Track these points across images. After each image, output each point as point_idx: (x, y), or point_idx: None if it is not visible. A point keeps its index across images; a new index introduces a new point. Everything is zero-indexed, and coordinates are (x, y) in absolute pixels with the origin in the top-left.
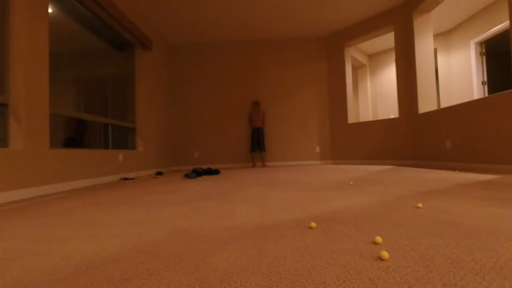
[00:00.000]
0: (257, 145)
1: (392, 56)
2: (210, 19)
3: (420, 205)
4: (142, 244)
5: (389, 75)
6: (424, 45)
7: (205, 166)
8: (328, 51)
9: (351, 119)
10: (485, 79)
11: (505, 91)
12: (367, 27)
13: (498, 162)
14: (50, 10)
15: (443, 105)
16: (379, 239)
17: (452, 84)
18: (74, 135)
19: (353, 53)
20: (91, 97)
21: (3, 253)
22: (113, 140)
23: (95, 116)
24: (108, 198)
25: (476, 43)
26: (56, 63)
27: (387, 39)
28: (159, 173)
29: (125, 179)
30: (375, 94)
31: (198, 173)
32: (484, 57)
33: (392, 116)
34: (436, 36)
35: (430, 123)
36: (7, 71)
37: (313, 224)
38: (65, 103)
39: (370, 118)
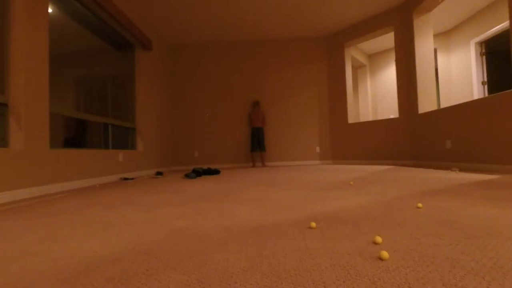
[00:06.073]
0: (257, 145)
1: (392, 56)
2: (210, 19)
3: (420, 205)
4: (142, 244)
5: (389, 75)
6: (424, 45)
7: (205, 166)
8: (328, 51)
9: (351, 119)
10: (485, 79)
11: (505, 91)
12: (367, 27)
13: (498, 162)
14: (50, 10)
15: (443, 105)
16: (379, 239)
17: (452, 84)
18: (74, 135)
19: (353, 53)
20: (91, 97)
21: (3, 253)
22: (113, 140)
23: (95, 116)
24: (108, 198)
25: (476, 43)
26: (56, 63)
27: (387, 39)
28: (159, 173)
29: (125, 179)
30: (375, 94)
31: (198, 173)
32: (484, 57)
33: (392, 116)
34: (436, 36)
35: (430, 123)
36: (7, 71)
37: (313, 224)
38: (65, 103)
39: (370, 118)
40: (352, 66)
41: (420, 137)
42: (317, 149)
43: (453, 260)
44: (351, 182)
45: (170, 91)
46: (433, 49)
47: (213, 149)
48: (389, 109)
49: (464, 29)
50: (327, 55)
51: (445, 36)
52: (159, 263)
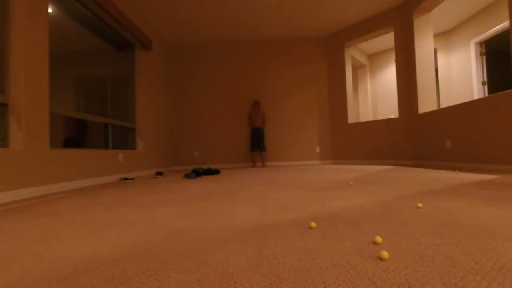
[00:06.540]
0: (257, 145)
1: (392, 56)
2: (210, 19)
3: (420, 205)
4: (142, 244)
5: (389, 75)
6: (424, 45)
7: (205, 166)
8: (328, 51)
9: (351, 119)
10: (485, 79)
11: (504, 91)
12: (367, 27)
13: (498, 162)
14: (50, 10)
15: (443, 105)
16: (379, 239)
17: (452, 84)
18: (74, 135)
19: (353, 53)
20: (91, 97)
21: (3, 253)
22: (113, 140)
23: (95, 116)
24: (108, 198)
25: (476, 43)
26: (56, 63)
27: (387, 39)
28: (159, 173)
29: (125, 179)
30: (375, 94)
31: (198, 173)
32: (484, 57)
33: (392, 116)
34: (436, 36)
35: (430, 123)
36: (7, 71)
37: (313, 224)
38: (65, 103)
39: (370, 118)
40: (352, 66)
41: (420, 137)
42: (317, 149)
43: (453, 260)
44: (351, 182)
45: (170, 91)
46: (433, 49)
47: (213, 149)
48: (389, 109)
49: (464, 29)
50: (327, 55)
51: (445, 36)
52: (159, 263)
